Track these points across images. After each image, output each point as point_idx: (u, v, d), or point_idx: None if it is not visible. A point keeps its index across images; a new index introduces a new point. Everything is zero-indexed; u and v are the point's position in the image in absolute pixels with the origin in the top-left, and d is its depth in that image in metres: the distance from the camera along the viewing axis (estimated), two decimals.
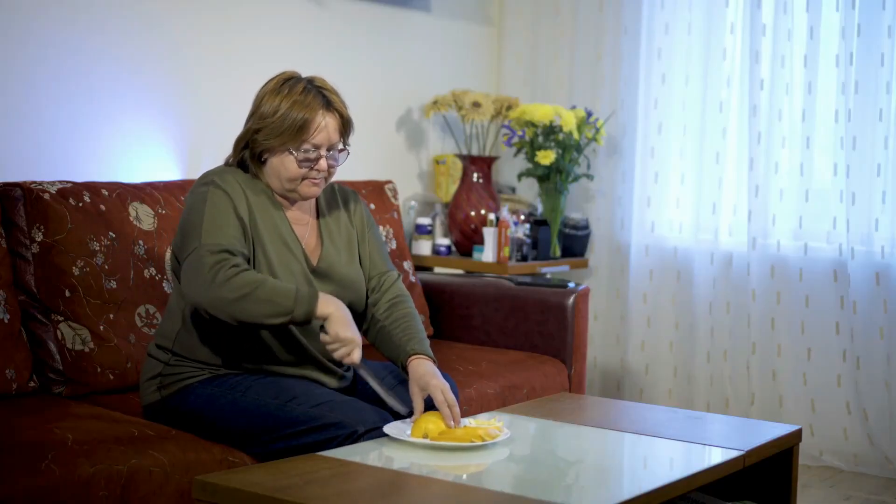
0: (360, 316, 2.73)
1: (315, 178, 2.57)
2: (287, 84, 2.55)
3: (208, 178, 2.56)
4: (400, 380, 2.66)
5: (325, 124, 2.53)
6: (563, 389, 3.60)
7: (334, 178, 2.78)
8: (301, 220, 2.66)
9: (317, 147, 2.54)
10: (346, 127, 2.59)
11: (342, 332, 2.43)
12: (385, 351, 2.66)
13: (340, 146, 2.60)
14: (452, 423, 2.42)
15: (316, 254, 2.65)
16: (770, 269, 4.24)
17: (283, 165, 2.55)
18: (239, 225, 2.51)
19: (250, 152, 2.59)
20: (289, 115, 2.51)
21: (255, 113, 2.57)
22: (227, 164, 2.65)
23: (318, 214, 2.71)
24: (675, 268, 4.46)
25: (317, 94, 2.54)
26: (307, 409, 2.45)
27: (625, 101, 4.52)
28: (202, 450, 2.46)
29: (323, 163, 2.55)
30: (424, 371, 2.53)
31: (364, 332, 2.74)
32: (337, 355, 2.45)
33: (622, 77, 4.52)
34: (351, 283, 2.67)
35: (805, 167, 4.16)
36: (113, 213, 2.96)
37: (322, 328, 2.48)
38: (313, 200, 2.71)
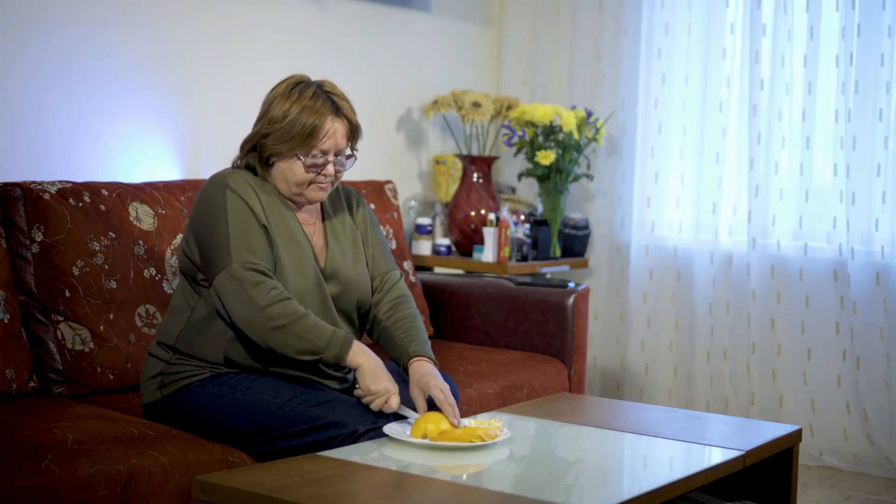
0: (365, 315, 2.74)
1: (322, 183, 2.58)
2: (297, 89, 2.56)
3: (222, 181, 2.56)
4: (401, 380, 2.67)
5: (334, 130, 2.54)
6: (563, 389, 3.60)
7: None
8: (308, 222, 2.67)
9: (325, 153, 2.55)
10: (354, 133, 2.61)
11: (373, 386, 2.46)
12: (387, 351, 2.68)
13: (348, 151, 2.61)
14: (455, 421, 2.43)
15: (323, 255, 2.66)
16: (770, 269, 4.24)
17: (291, 170, 2.55)
18: (263, 234, 2.53)
19: (257, 155, 2.60)
20: (298, 120, 2.51)
21: (264, 117, 2.57)
22: (234, 166, 2.65)
23: (324, 216, 2.72)
24: (675, 268, 4.46)
25: (326, 99, 2.55)
26: (307, 409, 2.45)
27: (625, 101, 4.52)
28: (202, 450, 2.46)
29: (330, 168, 2.56)
30: (425, 372, 2.54)
31: (367, 332, 2.75)
32: (374, 407, 2.47)
33: (622, 77, 4.52)
34: (357, 283, 2.68)
35: (805, 167, 4.16)
36: (113, 213, 2.96)
37: (355, 380, 2.52)
38: (320, 204, 2.71)
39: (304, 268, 2.59)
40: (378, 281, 2.75)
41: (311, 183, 2.57)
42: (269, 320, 2.44)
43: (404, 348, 2.62)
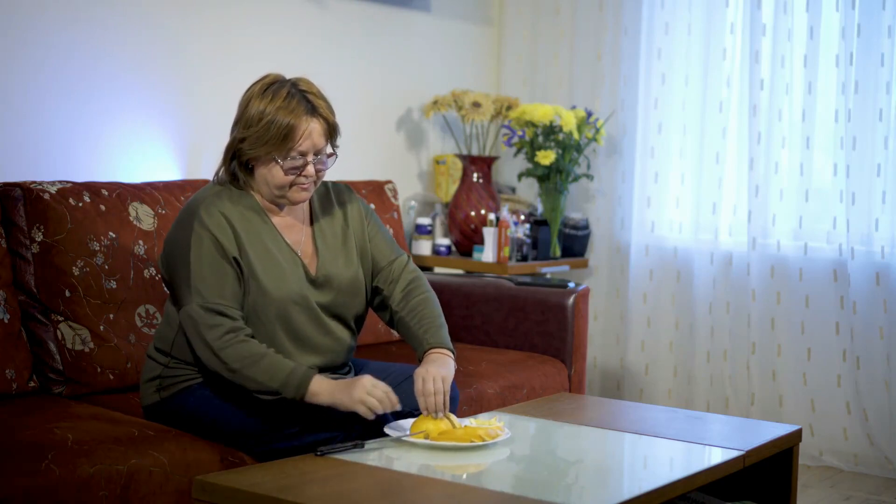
0: (362, 318, 2.72)
1: (304, 184, 2.52)
2: (271, 89, 2.50)
3: (194, 210, 2.50)
4: (404, 377, 2.66)
5: (311, 131, 2.48)
6: (563, 389, 3.60)
7: (332, 177, 2.76)
8: (295, 227, 2.62)
9: (303, 154, 2.49)
10: (332, 131, 2.54)
11: (349, 402, 2.39)
12: (408, 341, 2.66)
13: (328, 150, 2.55)
14: (425, 412, 2.43)
15: (313, 262, 2.62)
16: (770, 269, 4.24)
17: (271, 174, 2.50)
18: (231, 270, 2.48)
19: (238, 162, 2.54)
20: (273, 123, 2.45)
21: (240, 120, 2.52)
22: (217, 178, 2.59)
23: (312, 218, 2.67)
24: (675, 268, 4.46)
25: (301, 99, 2.49)
26: (307, 409, 2.44)
27: (625, 101, 4.52)
28: (202, 450, 2.46)
29: (310, 168, 2.51)
30: (427, 361, 2.53)
31: (388, 324, 2.73)
32: (369, 411, 2.39)
33: (622, 77, 4.52)
34: (350, 286, 2.65)
35: (805, 167, 4.16)
36: (113, 213, 2.96)
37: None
38: (307, 203, 2.67)
39: (289, 287, 2.54)
40: (386, 272, 2.70)
41: (292, 185, 2.52)
42: (225, 363, 2.41)
43: (419, 340, 2.60)
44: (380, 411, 2.39)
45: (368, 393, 2.38)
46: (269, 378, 2.40)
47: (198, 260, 2.45)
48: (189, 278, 2.45)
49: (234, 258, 2.48)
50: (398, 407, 2.41)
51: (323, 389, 2.41)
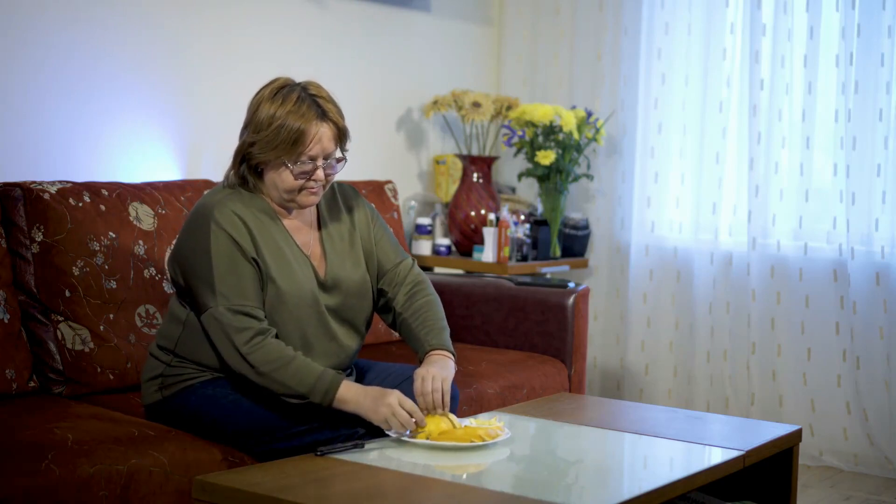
0: (370, 322, 2.72)
1: (313, 188, 2.52)
2: (281, 93, 2.49)
3: (207, 211, 2.49)
4: (403, 378, 2.67)
5: (321, 136, 2.48)
6: (563, 389, 3.60)
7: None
8: (303, 230, 2.62)
9: (313, 158, 2.49)
10: (342, 135, 2.54)
11: (376, 418, 2.40)
12: (410, 344, 2.67)
13: (338, 154, 2.55)
14: (424, 411, 2.43)
15: (322, 265, 2.62)
16: (770, 269, 4.24)
17: (280, 178, 2.50)
18: (251, 270, 2.48)
19: (247, 165, 2.54)
20: (283, 127, 2.45)
21: (250, 124, 2.51)
22: (227, 180, 2.58)
23: (319, 222, 2.67)
24: (675, 268, 4.46)
25: (311, 103, 2.48)
26: (308, 410, 2.45)
27: (625, 101, 4.52)
28: (202, 450, 2.46)
29: (320, 173, 2.50)
30: (428, 362, 2.54)
31: (390, 325, 2.74)
32: (399, 425, 2.41)
33: (622, 77, 4.52)
34: (358, 289, 2.65)
35: (805, 167, 4.16)
36: (113, 213, 2.96)
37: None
38: (314, 206, 2.67)
39: (302, 287, 2.54)
40: (392, 274, 2.70)
41: (301, 189, 2.51)
42: (252, 367, 2.41)
43: (421, 342, 2.61)
44: (402, 432, 2.40)
45: (393, 413, 2.38)
46: (297, 382, 2.41)
47: (219, 261, 2.45)
48: (211, 280, 2.44)
49: (253, 258, 2.49)
50: (423, 424, 2.41)
51: (350, 397, 2.41)
